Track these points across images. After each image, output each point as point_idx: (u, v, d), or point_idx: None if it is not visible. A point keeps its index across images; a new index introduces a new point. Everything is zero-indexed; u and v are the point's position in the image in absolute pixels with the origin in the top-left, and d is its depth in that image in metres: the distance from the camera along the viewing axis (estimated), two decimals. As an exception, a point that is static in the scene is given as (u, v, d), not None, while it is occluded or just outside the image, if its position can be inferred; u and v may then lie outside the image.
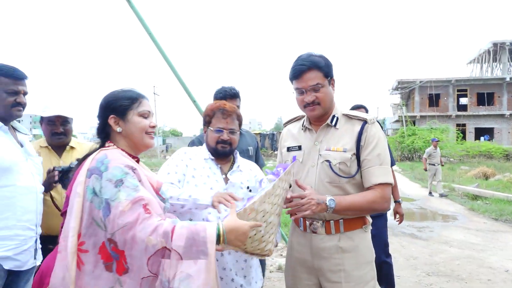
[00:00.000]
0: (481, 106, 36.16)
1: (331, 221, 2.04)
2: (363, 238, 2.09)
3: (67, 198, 1.61)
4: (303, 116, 2.27)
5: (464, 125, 35.48)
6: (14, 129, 2.35)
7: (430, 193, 12.74)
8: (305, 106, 2.03)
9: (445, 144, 26.89)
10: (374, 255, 2.15)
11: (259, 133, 36.85)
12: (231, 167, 2.32)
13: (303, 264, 2.12)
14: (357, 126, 2.05)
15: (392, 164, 3.81)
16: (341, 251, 2.02)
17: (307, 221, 2.10)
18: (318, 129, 2.11)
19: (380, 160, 2.00)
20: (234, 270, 2.14)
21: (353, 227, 2.06)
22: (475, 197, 11.49)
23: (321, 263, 2.05)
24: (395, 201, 4.12)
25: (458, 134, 31.75)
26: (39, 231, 2.25)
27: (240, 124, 2.34)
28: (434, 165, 12.53)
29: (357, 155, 2.01)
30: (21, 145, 2.29)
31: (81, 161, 1.69)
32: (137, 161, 1.78)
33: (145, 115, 1.73)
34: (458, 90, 36.54)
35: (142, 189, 1.55)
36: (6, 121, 2.24)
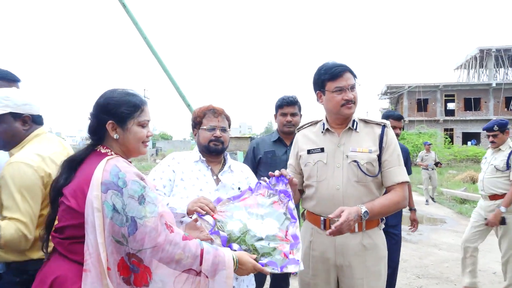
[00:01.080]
0: (468, 111, 36.70)
1: None
2: (380, 236, 2.25)
3: (63, 211, 1.56)
4: (317, 121, 2.41)
5: (451, 129, 35.98)
6: None
7: (426, 201, 12.05)
8: (342, 104, 2.16)
9: (433, 148, 27.13)
10: (387, 251, 2.30)
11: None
12: (221, 168, 2.36)
13: (325, 262, 2.21)
14: (378, 130, 2.24)
15: (409, 173, 3.84)
16: (364, 248, 2.17)
17: (330, 222, 2.16)
18: (340, 132, 2.25)
19: (399, 161, 2.20)
20: None
21: (372, 226, 2.21)
22: (463, 201, 11.66)
23: (345, 261, 2.17)
24: (410, 209, 4.29)
25: (446, 138, 32.21)
26: None
27: (229, 125, 2.41)
28: (427, 169, 12.25)
29: (379, 156, 2.19)
30: None
31: (74, 166, 1.62)
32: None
33: (144, 125, 1.70)
34: (445, 95, 37.06)
35: (158, 199, 1.58)
36: None
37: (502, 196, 4.14)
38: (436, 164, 12.23)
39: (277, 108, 3.44)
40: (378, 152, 2.18)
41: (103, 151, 1.66)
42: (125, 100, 1.66)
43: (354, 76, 2.21)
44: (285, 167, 2.92)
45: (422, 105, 36.62)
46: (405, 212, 4.46)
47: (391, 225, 3.67)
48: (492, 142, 4.33)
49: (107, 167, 1.53)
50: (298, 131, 2.51)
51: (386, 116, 4.08)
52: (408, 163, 3.88)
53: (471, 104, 36.67)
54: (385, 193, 2.23)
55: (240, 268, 1.65)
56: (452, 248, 6.60)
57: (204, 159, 2.33)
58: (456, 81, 40.48)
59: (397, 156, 2.19)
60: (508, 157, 4.12)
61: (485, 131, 4.43)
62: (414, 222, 4.30)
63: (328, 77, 2.17)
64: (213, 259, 1.55)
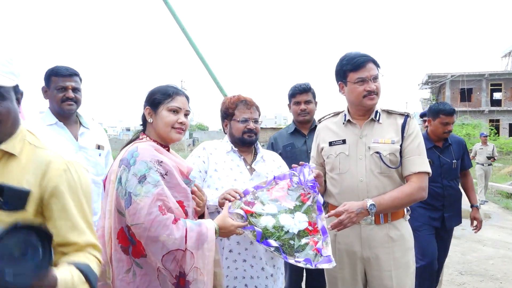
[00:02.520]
0: (516, 101, 34.80)
1: None
2: (406, 227, 2.22)
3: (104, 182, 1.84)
4: (339, 112, 2.38)
5: (498, 120, 34.24)
6: (81, 123, 2.57)
7: (482, 202, 9.92)
8: (364, 96, 2.13)
9: (477, 140, 26.05)
10: (413, 241, 2.27)
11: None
12: (254, 158, 2.38)
13: (351, 255, 2.20)
14: (400, 120, 2.20)
15: (469, 166, 3.75)
16: (391, 240, 2.15)
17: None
18: (363, 123, 2.22)
19: (419, 150, 2.14)
20: (264, 259, 2.18)
21: (398, 217, 2.19)
22: (510, 195, 11.13)
23: (372, 253, 2.15)
24: (472, 206, 3.80)
25: (492, 130, 30.68)
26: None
27: (259, 115, 2.40)
28: (482, 165, 10.51)
29: (401, 146, 2.16)
30: (77, 138, 2.46)
31: (122, 148, 1.86)
32: (168, 150, 1.90)
33: (174, 111, 1.82)
34: (491, 85, 35.26)
35: (162, 184, 1.68)
36: (62, 116, 2.45)
37: None
38: (489, 158, 10.53)
39: (290, 97, 3.32)
40: (400, 143, 2.16)
41: (141, 137, 1.87)
42: (160, 89, 1.88)
43: (378, 66, 2.17)
44: (306, 158, 2.89)
45: (465, 95, 35.03)
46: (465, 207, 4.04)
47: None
48: None
49: (130, 148, 1.75)
50: (320, 122, 2.49)
51: (435, 110, 3.51)
52: (466, 155, 3.66)
53: (520, 93, 34.72)
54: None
55: (222, 233, 1.81)
56: (497, 245, 6.32)
57: (236, 149, 2.34)
58: (504, 69, 38.40)
59: (417, 145, 2.15)
60: None
61: None
62: (475, 221, 3.74)
63: (350, 68, 2.14)
64: (197, 235, 1.67)
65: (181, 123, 1.84)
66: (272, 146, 3.35)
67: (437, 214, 3.46)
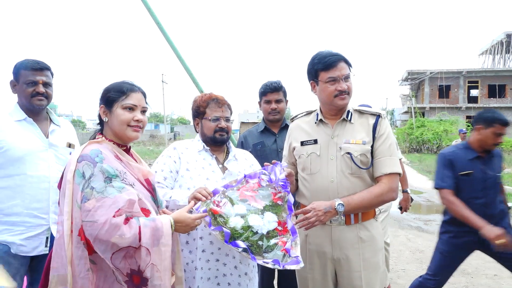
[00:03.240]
0: (492, 98, 35.64)
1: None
2: (376, 227, 2.23)
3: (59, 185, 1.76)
4: (311, 112, 2.36)
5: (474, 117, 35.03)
6: (51, 120, 2.47)
7: None
8: (336, 95, 2.11)
9: (454, 136, 26.66)
10: (383, 242, 2.29)
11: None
12: (226, 157, 2.36)
13: (321, 256, 2.20)
14: (372, 120, 2.19)
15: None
16: (361, 241, 2.15)
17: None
18: (334, 123, 2.21)
19: (390, 152, 2.15)
20: (238, 257, 2.18)
21: (368, 217, 2.19)
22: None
23: (342, 254, 2.15)
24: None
25: (468, 126, 31.41)
26: (55, 220, 2.27)
27: (231, 113, 2.38)
28: None
29: (373, 146, 2.15)
30: (47, 136, 2.37)
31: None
32: (126, 150, 1.86)
33: (130, 108, 1.78)
34: (469, 82, 36.03)
35: (127, 190, 1.65)
36: (32, 112, 2.34)
37: None
38: None
39: (261, 95, 3.26)
40: (372, 143, 2.15)
41: (97, 137, 1.81)
42: (114, 86, 1.82)
43: (350, 65, 2.15)
44: (276, 156, 2.92)
45: (444, 92, 35.71)
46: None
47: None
48: None
49: (91, 146, 1.70)
50: (292, 121, 2.47)
51: (491, 119, 3.01)
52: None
53: (496, 91, 35.56)
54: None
55: (178, 227, 1.77)
56: (470, 240, 6.45)
57: (208, 148, 2.31)
58: (481, 67, 39.29)
59: (389, 146, 2.14)
60: None
61: None
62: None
63: (321, 67, 2.12)
64: (151, 231, 1.64)
65: (137, 120, 1.78)
66: (242, 145, 3.31)
67: (475, 237, 2.90)
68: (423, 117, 33.54)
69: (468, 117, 34.54)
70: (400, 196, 4.08)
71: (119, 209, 1.60)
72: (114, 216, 1.58)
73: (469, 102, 35.90)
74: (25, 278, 2.37)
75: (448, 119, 30.74)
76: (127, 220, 1.61)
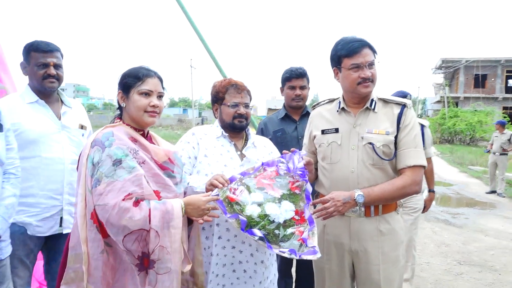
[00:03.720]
0: (532, 88, 34.01)
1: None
2: (398, 221, 2.16)
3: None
4: (334, 99, 2.30)
5: None
6: (62, 101, 2.49)
7: (492, 191, 10.07)
8: (359, 83, 2.05)
9: (489, 128, 25.68)
10: (406, 236, 2.24)
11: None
12: (245, 144, 2.33)
13: (339, 247, 2.16)
14: (396, 110, 2.11)
15: None
16: (381, 234, 2.09)
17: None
18: (357, 112, 2.14)
19: (415, 143, 2.07)
20: (254, 245, 2.16)
21: (389, 210, 2.12)
22: (517, 185, 10.97)
23: (360, 246, 2.11)
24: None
25: (505, 117, 30.15)
26: (69, 200, 2.33)
27: (251, 99, 2.34)
28: (494, 153, 10.06)
29: (396, 137, 2.07)
30: (59, 117, 2.39)
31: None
32: (143, 134, 1.87)
33: (146, 94, 1.79)
34: (507, 71, 34.38)
35: (137, 171, 1.68)
36: (43, 94, 2.36)
37: None
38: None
39: (284, 81, 3.20)
40: (395, 134, 2.07)
41: (115, 122, 1.86)
42: (131, 72, 1.83)
43: (374, 52, 2.07)
44: (296, 144, 2.88)
45: (479, 81, 34.27)
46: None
47: None
48: None
49: (104, 130, 1.75)
50: (314, 109, 2.41)
51: None
52: None
53: (536, 81, 33.89)
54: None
55: (190, 209, 1.77)
56: (500, 235, 6.25)
57: (227, 134, 2.29)
58: (521, 56, 37.42)
59: (414, 137, 2.07)
60: None
61: None
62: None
63: (345, 53, 2.05)
64: (161, 213, 1.67)
65: (153, 106, 1.80)
66: (262, 132, 3.26)
67: None
68: (457, 107, 32.40)
69: (505, 108, 33.15)
70: (426, 194, 4.04)
71: (129, 193, 1.63)
72: (124, 199, 1.61)
73: (506, 92, 34.32)
74: (41, 256, 2.45)
75: (483, 109, 29.53)
76: (137, 202, 1.64)
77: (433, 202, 4.15)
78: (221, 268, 2.12)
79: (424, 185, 3.81)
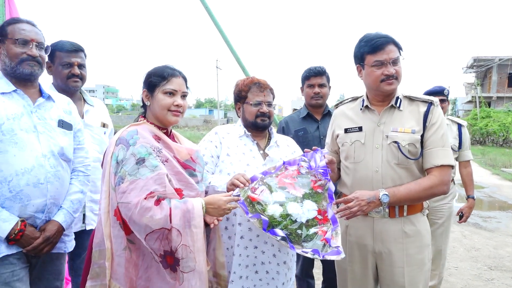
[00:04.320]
0: None
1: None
2: (423, 222, 2.11)
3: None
4: (357, 98, 2.27)
5: (548, 108, 32.18)
6: (85, 100, 2.54)
7: None
8: (382, 80, 2.01)
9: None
10: (431, 238, 2.17)
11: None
12: (268, 143, 2.31)
13: (362, 249, 2.12)
14: (423, 108, 2.05)
15: None
16: (406, 235, 2.04)
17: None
18: (381, 110, 2.10)
19: (443, 142, 2.01)
20: (276, 245, 2.15)
21: (414, 211, 2.07)
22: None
23: (384, 247, 2.07)
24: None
25: (540, 118, 28.90)
26: (91, 197, 2.39)
27: (273, 98, 2.32)
28: None
29: (423, 136, 2.02)
30: (82, 116, 2.43)
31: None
32: (167, 133, 1.90)
33: (170, 93, 1.82)
34: (543, 70, 33.04)
35: (160, 169, 1.70)
36: (67, 92, 2.40)
37: None
38: None
39: (304, 79, 3.24)
40: (422, 132, 2.01)
41: (140, 120, 1.89)
42: (156, 71, 1.86)
43: (399, 48, 2.02)
44: (318, 144, 2.86)
45: (514, 80, 33.05)
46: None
47: None
48: None
49: (129, 129, 1.78)
50: (337, 107, 2.38)
51: None
52: None
53: None
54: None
55: (211, 209, 1.77)
56: (534, 240, 5.98)
57: (250, 133, 2.28)
58: (558, 54, 35.81)
59: (441, 136, 2.01)
60: None
61: None
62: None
63: (368, 50, 2.01)
64: (182, 213, 1.68)
65: (177, 105, 1.83)
66: (283, 130, 3.26)
67: None
68: (489, 107, 31.30)
69: (540, 108, 31.78)
70: (463, 202, 3.72)
71: (151, 191, 1.65)
72: (145, 198, 1.63)
73: (542, 91, 32.97)
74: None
75: (517, 110, 28.40)
76: (158, 201, 1.66)
77: (456, 198, 3.74)
78: (244, 269, 2.12)
79: (453, 189, 3.57)
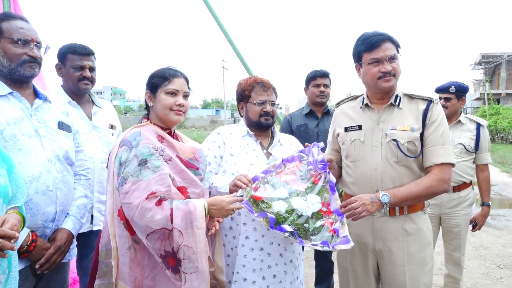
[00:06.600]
0: None
1: None
2: (424, 220, 2.11)
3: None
4: (357, 96, 2.27)
5: (558, 105, 31.76)
6: (93, 102, 2.57)
7: None
8: (379, 77, 2.02)
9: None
10: (432, 236, 2.16)
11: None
12: (271, 142, 2.32)
13: (362, 247, 2.12)
14: (422, 105, 2.05)
15: None
16: (406, 233, 2.04)
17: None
18: (381, 108, 2.10)
19: (443, 140, 2.00)
20: (283, 244, 2.15)
21: (415, 209, 2.07)
22: None
23: (385, 246, 2.07)
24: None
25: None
26: (99, 198, 2.41)
27: (276, 97, 2.34)
28: None
29: (422, 134, 2.02)
30: (90, 118, 2.47)
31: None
32: (170, 133, 1.92)
33: (172, 93, 1.85)
34: (553, 65, 32.61)
35: (162, 170, 1.72)
36: (76, 95, 2.44)
37: None
38: None
39: (310, 80, 3.61)
40: (421, 130, 2.01)
41: (143, 122, 1.93)
42: (158, 72, 1.90)
43: (397, 45, 2.03)
44: (316, 139, 3.16)
45: (523, 77, 32.66)
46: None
47: None
48: None
49: (132, 130, 1.82)
50: (337, 106, 2.39)
51: None
52: None
53: None
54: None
55: (213, 210, 1.79)
56: (544, 238, 5.91)
57: (253, 133, 2.29)
58: None
59: (441, 134, 2.00)
60: None
61: None
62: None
63: (365, 48, 2.02)
64: (183, 213, 1.69)
65: (179, 105, 1.85)
66: (288, 123, 3.62)
67: None
68: (498, 104, 30.94)
69: (550, 104, 31.38)
70: (477, 209, 3.50)
71: (153, 192, 1.67)
72: (147, 198, 1.65)
73: (552, 88, 32.55)
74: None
75: (527, 106, 28.08)
76: (160, 202, 1.68)
77: (473, 204, 3.50)
78: (251, 273, 2.10)
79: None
